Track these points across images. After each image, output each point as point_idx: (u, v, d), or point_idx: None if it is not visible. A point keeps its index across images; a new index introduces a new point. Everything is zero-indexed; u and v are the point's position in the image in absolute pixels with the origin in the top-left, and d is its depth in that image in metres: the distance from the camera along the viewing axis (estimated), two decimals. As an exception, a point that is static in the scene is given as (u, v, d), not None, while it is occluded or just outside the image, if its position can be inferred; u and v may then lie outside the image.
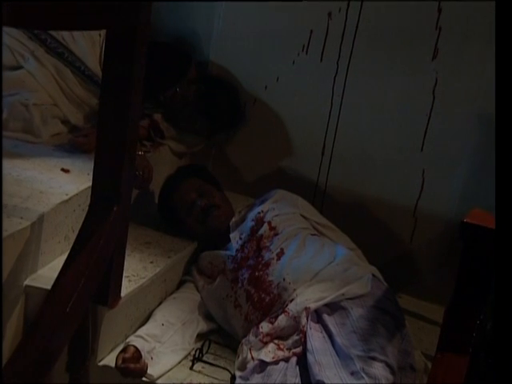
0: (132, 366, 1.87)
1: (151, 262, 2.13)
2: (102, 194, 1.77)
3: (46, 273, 1.88)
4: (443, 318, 1.58)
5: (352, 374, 1.83)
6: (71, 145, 2.25)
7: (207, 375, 1.99)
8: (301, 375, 1.87)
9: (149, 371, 1.91)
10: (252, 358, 1.94)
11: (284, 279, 2.05)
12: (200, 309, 2.17)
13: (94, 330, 1.88)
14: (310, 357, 1.87)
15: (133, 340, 1.95)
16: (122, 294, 1.92)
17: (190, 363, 2.02)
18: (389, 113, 2.49)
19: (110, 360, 1.93)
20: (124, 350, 1.90)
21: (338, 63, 2.51)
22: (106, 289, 1.83)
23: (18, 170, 2.03)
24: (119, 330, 2.01)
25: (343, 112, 2.55)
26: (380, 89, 2.48)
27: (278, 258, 2.11)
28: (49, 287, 1.73)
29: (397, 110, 2.47)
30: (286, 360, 1.92)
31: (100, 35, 2.33)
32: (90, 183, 1.83)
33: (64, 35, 2.29)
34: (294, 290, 2.02)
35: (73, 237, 1.86)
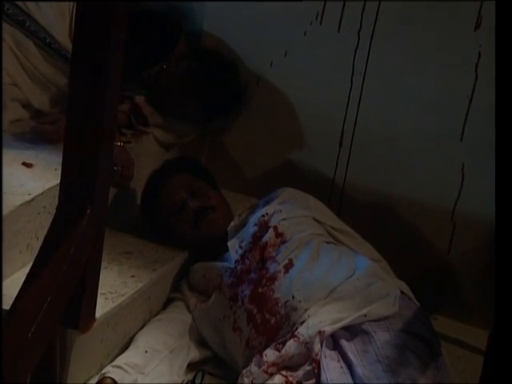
0: (109, 402, 1.88)
1: (132, 276, 2.14)
2: (73, 194, 1.77)
3: (4, 290, 1.87)
4: (487, 344, 1.58)
5: (376, 412, 1.84)
6: (34, 133, 2.26)
7: (200, 413, 2.00)
8: (314, 414, 1.88)
9: (129, 409, 1.92)
10: (254, 392, 1.95)
11: (293, 297, 2.05)
12: (191, 333, 2.18)
13: (63, 358, 1.88)
14: (324, 391, 1.88)
15: (110, 371, 1.95)
16: (97, 315, 1.92)
17: (180, 399, 2.04)
18: (421, 94, 2.48)
19: (82, 395, 1.95)
20: (99, 383, 1.90)
21: (359, 34, 2.51)
22: (78, 309, 1.83)
23: (-32, 164, 2.03)
24: (93, 359, 2.01)
25: (365, 93, 2.54)
26: (410, 65, 2.47)
27: (286, 271, 2.11)
28: (7, 307, 1.73)
29: (430, 91, 2.47)
30: (296, 395, 1.93)
31: (70, 3, 2.33)
32: (57, 180, 1.83)
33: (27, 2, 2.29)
34: (306, 309, 2.02)
35: (37, 246, 1.87)
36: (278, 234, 2.20)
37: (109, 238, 2.00)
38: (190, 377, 2.07)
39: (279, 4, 2.56)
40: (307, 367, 1.95)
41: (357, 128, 2.58)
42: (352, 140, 2.59)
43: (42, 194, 2.01)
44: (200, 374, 2.08)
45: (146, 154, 2.50)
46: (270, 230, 2.21)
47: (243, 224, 2.28)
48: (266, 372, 1.97)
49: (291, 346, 1.98)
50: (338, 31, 2.53)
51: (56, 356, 1.84)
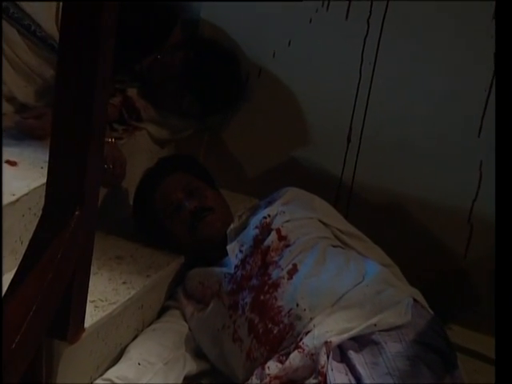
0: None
1: (124, 283, 2.14)
2: (60, 194, 1.77)
3: (-14, 297, 1.88)
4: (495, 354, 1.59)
5: (387, 429, 1.84)
6: (19, 129, 2.25)
7: (197, 430, 2.01)
8: (320, 431, 1.88)
9: (121, 426, 1.92)
10: (256, 408, 1.95)
11: (297, 305, 2.05)
12: (188, 344, 2.18)
13: (50, 372, 1.88)
14: (331, 407, 1.88)
15: (100, 385, 1.95)
16: (86, 325, 1.92)
17: (176, 415, 2.04)
18: (435, 87, 2.49)
19: (70, 411, 1.94)
20: (88, 398, 1.91)
21: (368, 22, 2.51)
22: (65, 318, 1.83)
23: None
24: (82, 372, 2.01)
25: (375, 85, 2.55)
26: (424, 56, 2.47)
27: (290, 277, 2.11)
28: (-10, 316, 1.73)
29: (446, 82, 2.47)
30: (301, 411, 1.93)
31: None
32: (43, 180, 1.82)
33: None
34: (311, 318, 2.02)
35: (21, 250, 1.86)
36: (281, 237, 2.20)
37: (99, 242, 1.99)
38: (186, 391, 2.08)
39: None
40: (313, 381, 1.94)
41: (366, 123, 2.58)
42: (361, 136, 2.59)
43: (27, 194, 2.00)
44: (197, 388, 2.09)
45: (139, 151, 2.50)
46: (273, 233, 2.21)
47: (244, 226, 2.28)
48: (268, 386, 1.98)
49: (295, 358, 1.97)
50: (346, 18, 2.53)
51: (42, 369, 1.84)
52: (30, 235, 1.79)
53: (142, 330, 2.18)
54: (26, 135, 2.24)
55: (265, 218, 2.25)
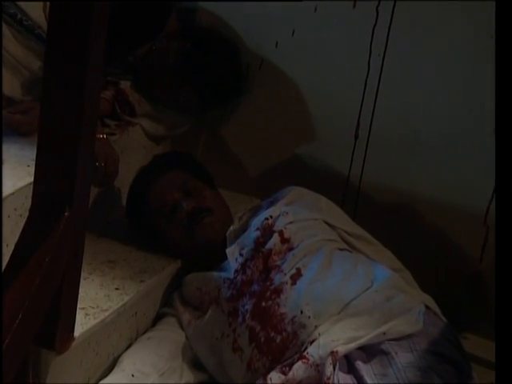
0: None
1: (117, 289, 2.14)
2: (48, 194, 1.77)
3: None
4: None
5: None
6: (4, 124, 2.25)
7: None
8: None
9: None
10: (257, 422, 1.96)
11: (301, 312, 2.05)
12: (185, 353, 2.18)
13: (37, 383, 1.87)
14: (338, 421, 1.88)
15: (91, 397, 1.95)
16: (76, 334, 1.92)
17: (171, 430, 2.04)
18: (450, 78, 2.48)
19: (59, 425, 1.94)
20: (79, 412, 1.91)
21: (377, 10, 2.51)
22: (54, 327, 1.83)
23: None
24: (72, 383, 2.00)
25: (385, 78, 2.55)
26: (437, 46, 2.47)
27: (294, 282, 2.11)
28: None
29: (461, 75, 2.47)
30: (305, 425, 1.93)
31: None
32: (30, 178, 1.82)
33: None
34: (316, 326, 2.02)
35: (7, 254, 1.86)
36: (284, 240, 2.20)
37: (90, 245, 2.01)
38: (183, 404, 2.08)
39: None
40: (318, 393, 1.95)
41: (375, 117, 2.58)
42: (369, 131, 2.59)
43: (12, 194, 2.00)
44: (195, 401, 2.09)
45: (132, 148, 2.50)
46: (275, 235, 2.21)
47: (244, 228, 2.29)
48: (270, 399, 1.98)
49: (299, 369, 1.97)
50: (354, 6, 2.53)
51: (29, 381, 1.84)
52: (15, 238, 1.79)
53: (136, 339, 2.18)
54: (11, 131, 2.24)
55: (267, 219, 2.26)
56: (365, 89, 2.57)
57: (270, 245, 2.19)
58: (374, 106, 2.57)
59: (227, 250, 2.24)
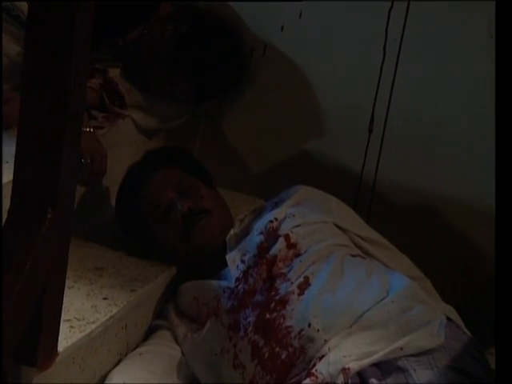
0: None
1: (105, 299, 2.14)
2: (29, 194, 1.77)
3: None
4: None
5: None
6: (-19, 117, 2.25)
7: None
8: None
9: None
10: None
11: (310, 325, 2.05)
12: (180, 370, 2.18)
13: (17, 403, 1.88)
14: None
15: (76, 419, 1.95)
16: (60, 349, 1.92)
17: None
18: (472, 67, 2.49)
19: None
20: None
21: (394, -10, 2.51)
22: (35, 341, 1.82)
23: None
24: (55, 404, 2.01)
25: (402, 66, 2.55)
26: (459, 31, 2.47)
27: (301, 292, 2.12)
28: None
29: (484, 64, 2.46)
30: None
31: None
32: (10, 176, 1.81)
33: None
34: (326, 341, 2.02)
35: (-17, 259, 1.86)
36: (291, 245, 2.21)
37: (75, 251, 2.00)
38: (178, 426, 2.08)
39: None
40: (328, 414, 1.95)
41: (391, 110, 2.59)
42: (385, 126, 2.60)
43: (-11, 193, 2.00)
44: (191, 423, 2.09)
45: (122, 143, 2.51)
46: (280, 240, 2.21)
47: (246, 232, 2.29)
48: (275, 420, 1.99)
49: (308, 388, 1.98)
50: (367, -13, 2.53)
51: (8, 400, 1.84)
52: (-7, 242, 1.80)
53: (126, 355, 2.19)
54: (-12, 124, 2.24)
55: (271, 221, 2.26)
56: (380, 78, 2.57)
57: (274, 250, 2.20)
58: (390, 97, 2.57)
59: (227, 256, 2.24)
